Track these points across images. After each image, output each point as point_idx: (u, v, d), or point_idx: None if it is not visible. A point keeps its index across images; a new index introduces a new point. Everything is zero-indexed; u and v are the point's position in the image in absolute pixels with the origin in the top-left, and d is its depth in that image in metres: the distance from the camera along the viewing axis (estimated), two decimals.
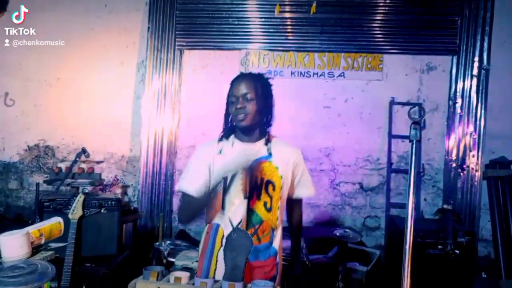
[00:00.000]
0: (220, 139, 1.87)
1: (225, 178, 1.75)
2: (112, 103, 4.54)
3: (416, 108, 1.52)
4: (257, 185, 1.76)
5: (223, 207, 1.76)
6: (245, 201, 1.74)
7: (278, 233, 1.84)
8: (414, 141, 1.45)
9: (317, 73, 4.45)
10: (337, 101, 4.46)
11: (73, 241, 2.74)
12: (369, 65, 4.43)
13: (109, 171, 4.54)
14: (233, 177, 1.75)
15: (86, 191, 3.29)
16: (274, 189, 1.77)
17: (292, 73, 4.45)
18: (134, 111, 4.55)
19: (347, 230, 3.44)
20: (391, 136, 4.35)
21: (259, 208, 1.76)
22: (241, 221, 1.71)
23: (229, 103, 1.82)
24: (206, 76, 4.50)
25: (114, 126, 4.54)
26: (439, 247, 3.32)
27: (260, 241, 1.76)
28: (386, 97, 4.39)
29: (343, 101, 4.46)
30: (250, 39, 4.45)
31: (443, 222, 3.54)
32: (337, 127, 4.43)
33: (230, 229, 1.54)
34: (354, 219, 4.44)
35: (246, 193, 1.74)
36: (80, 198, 2.95)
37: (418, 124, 1.46)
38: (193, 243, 3.67)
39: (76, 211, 2.88)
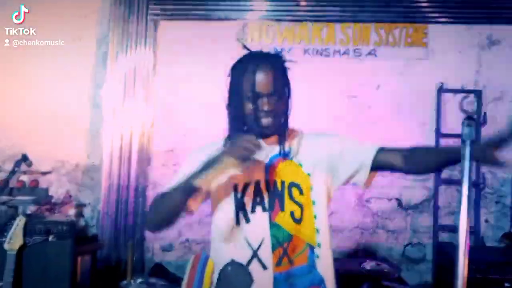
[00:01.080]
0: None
1: (235, 187, 1.77)
2: (63, 93, 4.54)
3: (471, 97, 1.52)
4: (277, 191, 1.77)
5: (237, 224, 1.76)
6: (266, 215, 1.75)
7: (323, 252, 1.79)
8: (468, 141, 1.44)
9: (339, 51, 4.45)
10: (366, 88, 4.46)
11: (11, 279, 2.73)
12: (409, 40, 4.42)
13: (59, 185, 4.54)
14: (246, 184, 1.77)
15: (28, 212, 3.28)
16: (301, 193, 1.77)
17: (305, 51, 4.45)
18: (93, 103, 4.55)
19: (381, 263, 3.42)
20: (439, 135, 4.35)
21: (285, 220, 1.75)
22: (262, 240, 1.71)
23: (236, 96, 1.79)
24: (190, 56, 4.49)
25: (65, 125, 4.54)
26: (506, 285, 3.31)
27: (293, 263, 1.74)
28: (433, 82, 4.39)
29: (375, 88, 4.46)
30: (250, 5, 4.46)
31: None
32: (366, 123, 4.42)
33: (248, 252, 1.66)
34: (390, 247, 4.44)
35: (265, 204, 1.75)
36: (19, 222, 2.94)
37: (473, 119, 1.45)
38: (173, 282, 3.65)
39: (14, 240, 2.86)
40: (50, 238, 3.12)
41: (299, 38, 4.46)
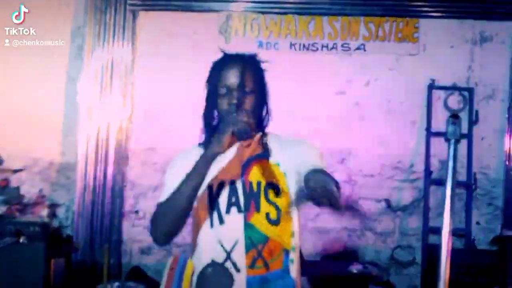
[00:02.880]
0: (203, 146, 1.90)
1: (210, 187, 1.80)
2: (35, 88, 4.51)
3: (456, 94, 1.55)
4: (253, 192, 1.81)
5: (211, 226, 1.79)
6: (241, 216, 1.78)
7: (296, 257, 1.84)
8: (453, 140, 1.47)
9: (326, 46, 4.47)
10: (354, 84, 4.49)
11: None
12: (400, 34, 4.46)
13: (32, 184, 4.50)
14: (220, 185, 1.80)
15: None
16: (279, 194, 1.81)
17: (291, 45, 4.46)
18: (68, 99, 4.52)
19: (368, 266, 3.45)
20: (430, 133, 4.39)
21: (260, 221, 1.79)
22: (236, 242, 1.74)
23: (212, 95, 1.86)
24: (171, 49, 4.49)
25: (38, 121, 4.51)
26: None
27: (269, 268, 1.77)
28: (424, 78, 4.43)
29: (363, 84, 4.50)
30: None
31: (503, 255, 3.57)
32: (354, 121, 4.46)
33: (222, 255, 1.68)
34: (379, 250, 4.47)
35: (240, 205, 1.78)
36: None
37: (458, 117, 1.48)
38: (151, 286, 3.65)
39: None
40: (21, 240, 3.10)
41: (285, 31, 4.47)
